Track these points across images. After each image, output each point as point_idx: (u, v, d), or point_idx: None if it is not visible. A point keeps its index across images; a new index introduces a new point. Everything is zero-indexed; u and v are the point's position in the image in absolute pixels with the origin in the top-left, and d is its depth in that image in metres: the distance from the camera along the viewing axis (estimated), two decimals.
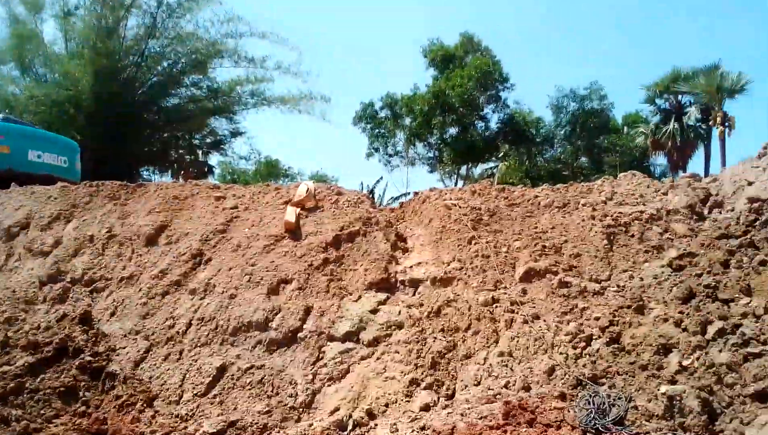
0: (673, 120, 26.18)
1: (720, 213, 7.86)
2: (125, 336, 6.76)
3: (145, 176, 21.47)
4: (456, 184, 23.98)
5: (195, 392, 5.99)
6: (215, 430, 5.35)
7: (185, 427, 5.51)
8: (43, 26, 22.28)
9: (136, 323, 6.96)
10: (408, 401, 5.59)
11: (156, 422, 5.57)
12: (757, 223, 7.10)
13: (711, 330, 5.12)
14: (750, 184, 7.96)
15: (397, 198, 16.65)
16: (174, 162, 23.18)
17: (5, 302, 7.23)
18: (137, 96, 22.76)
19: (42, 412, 5.48)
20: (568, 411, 4.65)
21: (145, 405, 5.81)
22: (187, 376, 6.18)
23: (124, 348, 6.60)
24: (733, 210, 7.71)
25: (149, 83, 23.37)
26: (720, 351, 4.82)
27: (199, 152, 24.33)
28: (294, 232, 8.64)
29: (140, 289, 7.51)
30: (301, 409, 5.76)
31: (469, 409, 5.14)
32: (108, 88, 20.71)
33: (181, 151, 23.69)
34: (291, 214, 9.06)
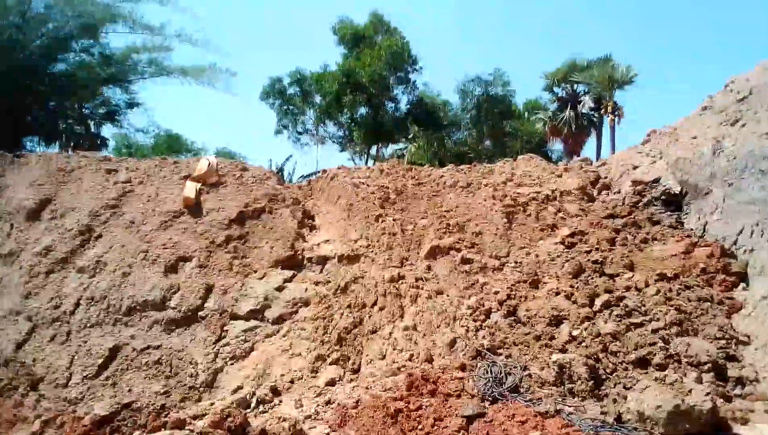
0: (569, 108, 27.78)
1: (608, 194, 8.48)
2: (5, 317, 6.19)
3: (29, 148, 19.50)
4: (366, 163, 24.04)
5: (85, 374, 5.62)
6: (107, 413, 5.06)
7: (74, 411, 5.18)
8: None
9: (17, 303, 6.38)
10: (314, 377, 5.58)
11: (41, 406, 5.19)
12: (640, 204, 7.73)
13: (598, 302, 5.52)
14: (635, 168, 8.63)
15: (307, 176, 16.37)
16: (62, 133, 21.28)
17: None
18: (18, 60, 20.55)
19: None
20: (468, 381, 4.84)
21: (28, 388, 5.40)
22: (76, 358, 5.78)
23: (3, 329, 6.04)
24: (619, 192, 8.33)
25: (32, 46, 21.18)
26: (605, 322, 5.21)
27: (91, 123, 22.51)
28: (194, 208, 8.27)
29: (21, 267, 6.88)
30: (201, 389, 5.58)
31: (374, 382, 5.21)
32: None
33: (70, 122, 21.76)
34: (191, 189, 8.64)
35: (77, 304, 6.40)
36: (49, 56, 21.19)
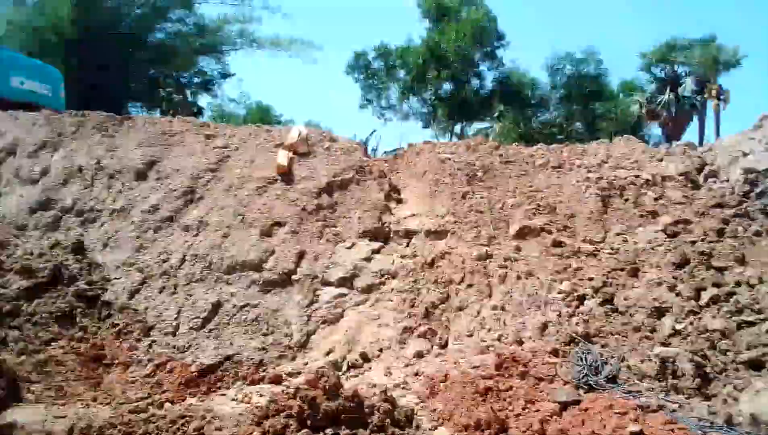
0: (668, 90, 26.13)
1: (715, 182, 7.95)
2: (119, 267, 6.70)
3: (132, 112, 20.83)
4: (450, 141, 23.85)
5: (191, 325, 6.02)
6: (212, 362, 5.42)
7: (182, 358, 5.57)
8: None
9: (130, 256, 6.88)
10: (401, 347, 5.68)
11: (153, 351, 5.62)
12: (752, 193, 7.20)
13: (705, 296, 5.23)
14: (745, 155, 8.02)
15: (391, 151, 16.45)
16: (162, 100, 22.56)
17: None
18: (121, 28, 21.80)
19: (40, 335, 5.49)
20: (561, 366, 4.76)
21: (141, 334, 5.85)
22: (183, 309, 6.19)
23: (118, 278, 6.55)
24: (728, 180, 7.79)
25: (133, 15, 22.37)
26: (714, 317, 4.93)
27: (188, 92, 23.69)
28: (286, 175, 8.53)
29: (132, 223, 7.39)
30: (295, 349, 5.83)
31: (462, 358, 5.24)
32: (88, 18, 19.78)
33: (169, 90, 23.02)
34: (283, 157, 8.90)
35: (183, 260, 6.82)
36: (148, 26, 22.39)
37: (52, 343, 5.42)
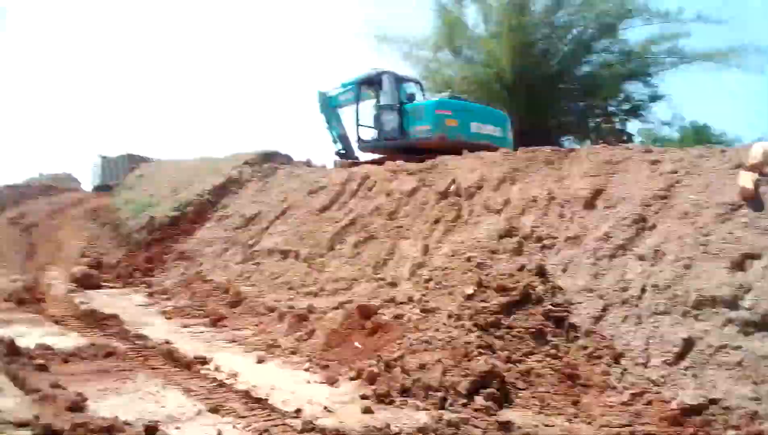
0: None
1: None
2: (579, 292, 6.96)
3: (564, 145, 22.06)
4: None
5: (663, 360, 5.71)
6: (695, 403, 4.96)
7: (659, 392, 5.32)
8: (465, 12, 24.87)
9: (588, 282, 7.07)
10: None
11: (626, 380, 5.56)
12: None
13: None
14: None
15: None
16: (592, 131, 23.14)
17: (474, 250, 8.43)
18: (550, 67, 23.48)
19: (518, 347, 6.16)
20: None
21: (612, 360, 5.87)
22: (651, 341, 5.94)
23: (580, 303, 6.80)
24: None
25: (560, 54, 23.82)
26: None
27: (615, 120, 23.62)
28: (752, 200, 7.35)
29: (586, 250, 7.61)
30: None
31: None
32: (524, 62, 22.04)
33: (597, 120, 23.47)
34: (746, 179, 7.72)
35: (643, 290, 6.59)
36: (575, 60, 23.41)
37: (530, 356, 5.97)
